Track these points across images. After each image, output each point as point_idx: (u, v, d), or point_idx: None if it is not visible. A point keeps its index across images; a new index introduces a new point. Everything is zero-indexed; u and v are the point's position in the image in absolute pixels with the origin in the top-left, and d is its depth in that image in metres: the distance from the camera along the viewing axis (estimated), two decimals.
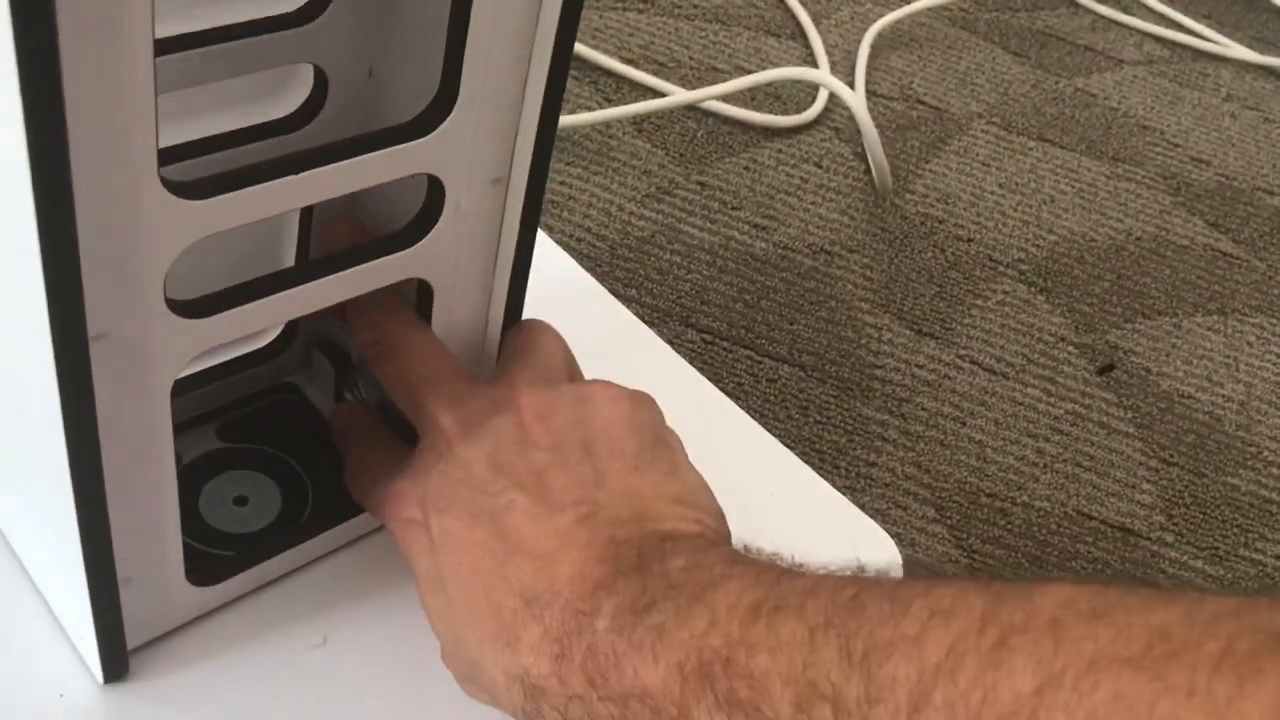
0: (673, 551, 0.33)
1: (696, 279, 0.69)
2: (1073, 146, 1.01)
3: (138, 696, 0.39)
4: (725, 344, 0.65)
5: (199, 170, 0.30)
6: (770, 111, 0.84)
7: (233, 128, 0.42)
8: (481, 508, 0.35)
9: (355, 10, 0.41)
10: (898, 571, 0.38)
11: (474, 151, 0.38)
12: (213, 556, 0.43)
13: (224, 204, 0.32)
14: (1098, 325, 0.81)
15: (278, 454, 0.48)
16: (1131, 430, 0.74)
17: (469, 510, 0.36)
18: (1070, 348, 0.77)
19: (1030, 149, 0.98)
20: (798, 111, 0.85)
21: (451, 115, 0.36)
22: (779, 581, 0.31)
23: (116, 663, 0.39)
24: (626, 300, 0.65)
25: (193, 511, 0.44)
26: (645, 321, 0.61)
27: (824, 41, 0.95)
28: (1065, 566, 0.63)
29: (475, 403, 0.39)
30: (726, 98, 0.79)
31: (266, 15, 0.40)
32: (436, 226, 0.39)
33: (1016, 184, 0.92)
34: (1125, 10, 1.28)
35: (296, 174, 0.34)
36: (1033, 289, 0.81)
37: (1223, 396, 0.81)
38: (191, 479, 0.45)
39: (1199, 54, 1.26)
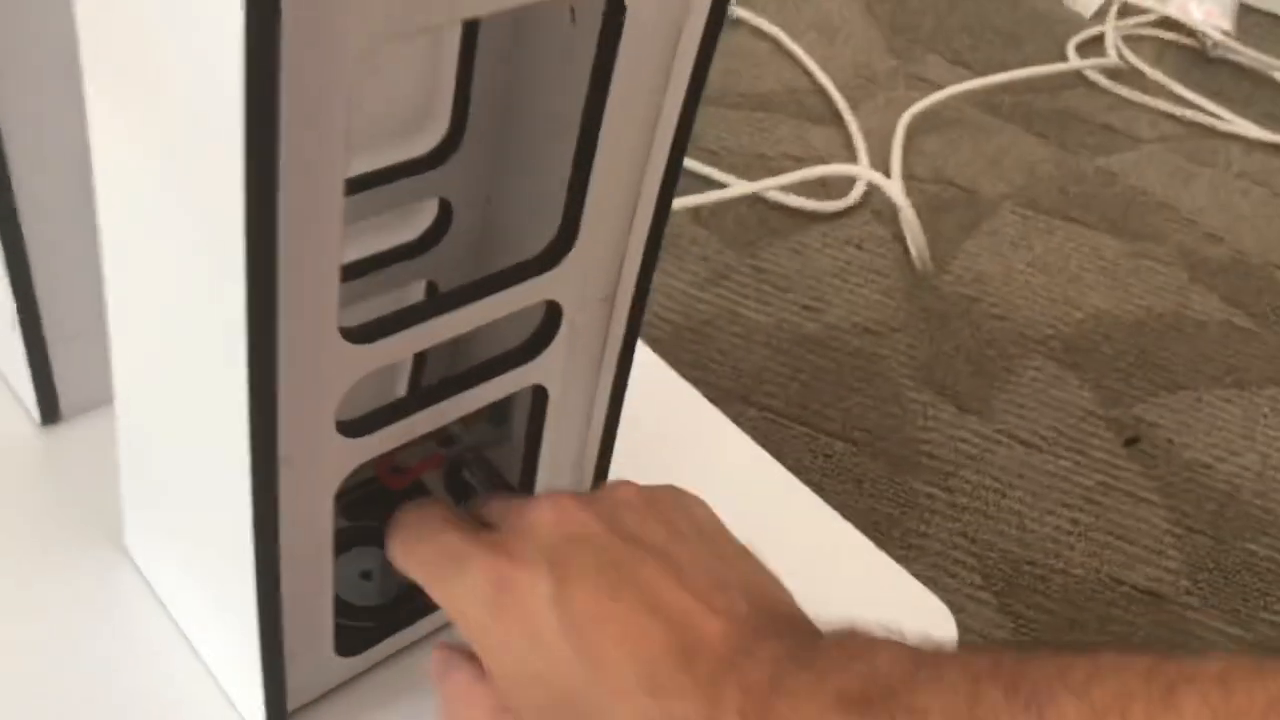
0: (813, 627, 0.35)
1: (755, 359, 0.74)
2: (1095, 225, 1.06)
3: None
4: (784, 421, 0.70)
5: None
6: (814, 197, 0.89)
7: (367, 254, 0.48)
8: (615, 560, 0.36)
9: (482, 150, 0.47)
10: (952, 642, 0.42)
11: (588, 276, 0.44)
12: (349, 629, 0.48)
13: (388, 344, 0.38)
14: (1123, 399, 0.86)
15: None
16: (1156, 499, 0.79)
17: (601, 561, 0.36)
18: (1099, 421, 0.82)
19: (1056, 228, 1.04)
20: (839, 197, 0.90)
21: (573, 250, 0.42)
22: (936, 649, 0.32)
23: None
24: (694, 381, 0.70)
25: None
26: (712, 401, 0.66)
27: (861, 127, 1.01)
28: (1104, 631, 0.68)
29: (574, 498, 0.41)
30: (781, 187, 0.85)
31: (404, 159, 0.46)
32: (552, 343, 0.45)
33: (1045, 263, 0.98)
34: (1142, 90, 1.34)
35: (446, 314, 0.40)
36: (1062, 365, 0.86)
37: (1240, 466, 0.85)
38: None
39: (1210, 132, 1.31)
